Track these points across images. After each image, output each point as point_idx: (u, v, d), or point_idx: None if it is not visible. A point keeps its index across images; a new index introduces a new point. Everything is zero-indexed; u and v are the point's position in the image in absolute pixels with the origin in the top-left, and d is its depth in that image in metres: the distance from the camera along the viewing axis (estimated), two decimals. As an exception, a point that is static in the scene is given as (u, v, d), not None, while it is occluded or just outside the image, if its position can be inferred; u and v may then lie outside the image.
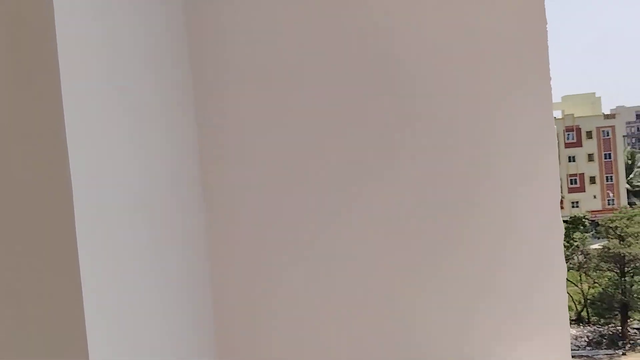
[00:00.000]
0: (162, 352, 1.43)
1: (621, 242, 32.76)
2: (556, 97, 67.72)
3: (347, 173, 1.62)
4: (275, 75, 1.64)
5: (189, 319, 1.58)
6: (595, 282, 34.86)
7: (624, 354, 30.59)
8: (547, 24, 1.56)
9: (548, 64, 1.51)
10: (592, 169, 62.60)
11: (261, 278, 1.66)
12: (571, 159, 62.65)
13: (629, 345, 31.54)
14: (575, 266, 36.07)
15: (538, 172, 1.54)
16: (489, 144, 1.55)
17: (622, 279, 32.60)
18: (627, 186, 63.31)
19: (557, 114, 64.67)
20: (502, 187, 1.55)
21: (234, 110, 1.66)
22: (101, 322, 1.20)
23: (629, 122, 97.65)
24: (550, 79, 1.52)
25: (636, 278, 32.88)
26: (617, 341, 32.01)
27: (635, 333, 32.76)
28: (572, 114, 62.91)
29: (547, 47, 1.52)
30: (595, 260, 34.65)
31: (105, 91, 1.30)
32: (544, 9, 1.55)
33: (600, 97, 68.51)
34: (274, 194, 1.65)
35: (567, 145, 62.56)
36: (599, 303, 35.23)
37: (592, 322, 35.27)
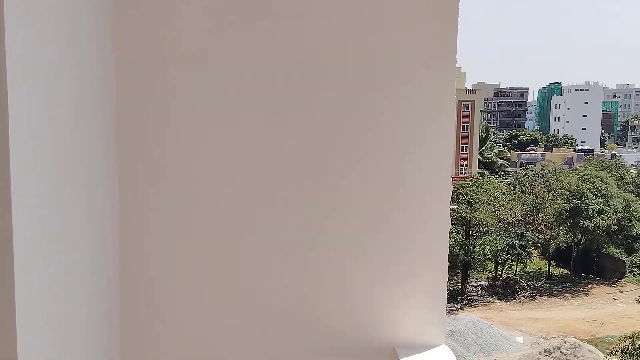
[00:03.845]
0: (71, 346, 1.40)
1: (469, 207, 35.79)
2: (426, 68, 71.04)
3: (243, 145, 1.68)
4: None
5: (97, 307, 1.57)
6: (443, 242, 37.95)
7: (461, 308, 33.83)
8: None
9: (456, 31, 1.63)
10: (450, 139, 67.12)
11: (167, 274, 1.69)
12: (433, 127, 66.70)
13: (466, 301, 34.93)
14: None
15: (434, 135, 1.67)
16: (387, 108, 1.66)
17: (467, 240, 35.77)
18: (479, 157, 69.01)
19: (426, 84, 68.04)
20: (396, 146, 1.67)
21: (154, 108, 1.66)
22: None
23: (487, 98, 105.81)
24: (456, 45, 1.64)
25: (478, 241, 36.23)
26: (457, 297, 35.27)
27: (472, 290, 36.31)
28: (439, 86, 66.64)
29: (458, 10, 1.63)
30: (446, 222, 37.60)
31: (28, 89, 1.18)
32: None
33: (465, 72, 73.19)
34: (183, 193, 1.67)
35: (432, 115, 66.43)
36: (444, 261, 38.58)
37: (437, 278, 38.55)
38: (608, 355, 17.46)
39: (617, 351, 16.14)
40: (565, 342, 24.48)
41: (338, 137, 1.66)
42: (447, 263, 1.72)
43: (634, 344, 15.58)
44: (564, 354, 23.86)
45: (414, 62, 1.64)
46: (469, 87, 73.34)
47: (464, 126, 67.45)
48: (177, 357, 1.73)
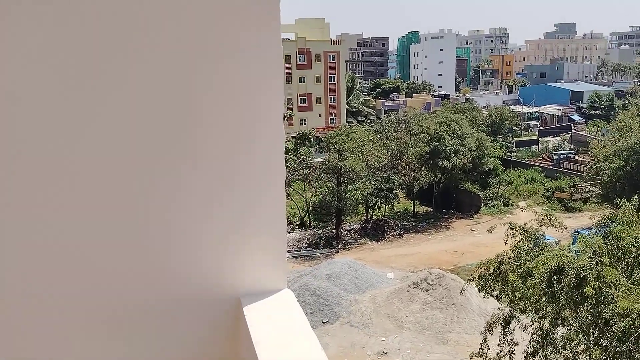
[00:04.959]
0: None
1: (339, 156, 36.97)
2: (290, 20, 70.84)
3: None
4: None
5: None
6: (316, 191, 39.03)
7: (337, 252, 35.35)
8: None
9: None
10: (318, 90, 68.21)
11: None
12: (302, 79, 67.22)
13: (341, 245, 36.54)
14: (301, 177, 39.83)
15: (264, 88, 1.70)
16: (220, 64, 1.66)
17: (339, 188, 37.10)
18: (347, 107, 70.98)
19: (291, 36, 68.02)
20: (230, 101, 1.69)
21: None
22: None
23: (351, 49, 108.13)
24: (279, 5, 1.67)
25: (349, 187, 37.73)
26: (332, 241, 36.76)
27: (346, 234, 38.01)
28: (304, 38, 66.84)
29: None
30: (318, 172, 38.60)
31: None
32: None
33: (329, 23, 73.88)
34: None
35: (299, 67, 66.76)
36: (319, 209, 39.81)
37: (313, 226, 39.81)
38: (468, 281, 19.21)
39: (475, 277, 17.83)
40: (431, 274, 26.63)
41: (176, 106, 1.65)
42: (285, 214, 1.80)
43: (489, 270, 17.29)
44: (430, 284, 25.99)
45: (237, 31, 1.64)
46: (334, 38, 74.31)
47: (330, 77, 68.69)
48: (18, 325, 1.66)
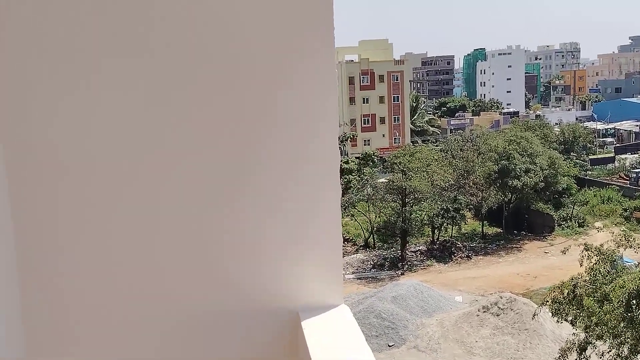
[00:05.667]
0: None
1: (403, 176, 36.68)
2: (353, 42, 71.54)
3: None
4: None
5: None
6: (381, 212, 38.79)
7: (402, 273, 34.87)
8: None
9: (332, 12, 1.72)
10: (382, 110, 68.19)
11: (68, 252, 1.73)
12: (365, 100, 67.48)
13: (406, 266, 36.02)
14: (365, 198, 39.73)
15: (319, 110, 1.78)
16: (277, 89, 1.75)
17: (403, 208, 36.73)
18: (411, 126, 70.50)
19: (354, 57, 68.63)
20: (289, 122, 1.77)
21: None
22: None
23: (415, 69, 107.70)
24: (333, 26, 1.74)
25: (415, 208, 37.29)
26: (397, 263, 36.31)
27: (412, 256, 37.46)
28: (367, 59, 67.25)
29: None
30: (382, 192, 38.39)
31: None
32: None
33: (392, 44, 74.05)
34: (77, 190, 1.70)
35: (362, 88, 67.11)
36: (383, 230, 39.49)
37: (378, 247, 39.49)
38: (540, 305, 18.48)
39: (548, 301, 17.13)
40: (501, 298, 25.77)
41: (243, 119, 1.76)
42: (341, 232, 1.85)
43: (563, 293, 16.56)
44: (501, 309, 25.13)
45: (295, 59, 1.73)
46: (397, 59, 74.32)
47: (394, 97, 68.53)
48: (85, 331, 1.77)
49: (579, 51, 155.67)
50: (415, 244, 38.90)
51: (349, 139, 53.59)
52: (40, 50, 1.63)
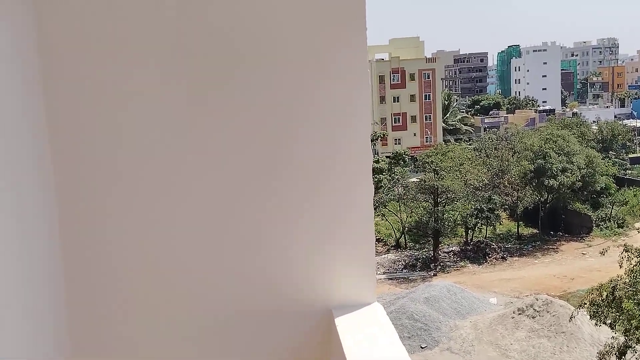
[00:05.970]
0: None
1: (435, 176, 36.29)
2: (384, 40, 71.08)
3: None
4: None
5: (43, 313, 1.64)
6: (412, 212, 38.44)
7: (435, 274, 34.50)
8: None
9: (364, 14, 1.72)
10: (413, 109, 67.53)
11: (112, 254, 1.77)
12: (395, 99, 66.95)
13: (439, 267, 35.63)
14: (396, 197, 39.45)
15: (352, 110, 1.78)
16: (311, 87, 1.76)
17: (436, 208, 36.34)
18: (443, 125, 69.75)
19: (385, 56, 68.20)
20: (322, 122, 1.78)
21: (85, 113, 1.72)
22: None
23: (447, 66, 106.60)
24: (365, 24, 1.73)
25: (447, 208, 36.85)
26: (429, 264, 35.94)
27: (444, 256, 37.02)
28: (398, 57, 66.73)
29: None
30: (413, 192, 38.04)
31: None
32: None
33: (423, 42, 73.34)
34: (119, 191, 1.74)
35: (393, 87, 66.63)
36: (415, 230, 39.13)
37: (409, 248, 39.16)
38: (578, 308, 18.09)
39: (586, 303, 16.75)
40: (537, 300, 25.27)
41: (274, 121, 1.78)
42: (374, 231, 1.85)
43: (601, 295, 16.18)
44: (537, 311, 24.65)
45: (328, 60, 1.75)
46: (429, 56, 73.64)
47: (426, 95, 67.85)
48: (126, 328, 1.81)
49: (618, 47, 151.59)
50: (448, 245, 38.43)
51: (380, 138, 53.25)
52: (90, 55, 1.68)
